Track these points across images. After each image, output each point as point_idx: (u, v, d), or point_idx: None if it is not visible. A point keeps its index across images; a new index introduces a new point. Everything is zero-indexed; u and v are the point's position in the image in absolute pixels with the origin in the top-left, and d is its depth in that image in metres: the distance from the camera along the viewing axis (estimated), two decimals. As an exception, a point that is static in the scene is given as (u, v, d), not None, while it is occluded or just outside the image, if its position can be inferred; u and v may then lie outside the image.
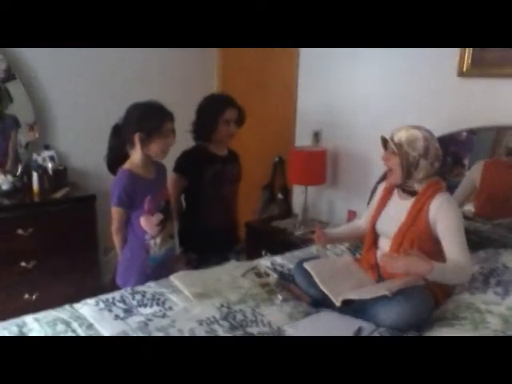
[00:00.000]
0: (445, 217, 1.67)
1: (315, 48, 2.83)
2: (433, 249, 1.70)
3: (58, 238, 2.59)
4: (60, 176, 2.78)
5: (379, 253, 1.86)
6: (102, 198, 2.77)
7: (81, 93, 2.99)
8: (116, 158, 1.97)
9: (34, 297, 2.54)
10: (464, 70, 2.20)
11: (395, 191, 1.88)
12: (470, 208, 2.21)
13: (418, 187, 1.77)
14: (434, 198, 1.70)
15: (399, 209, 1.80)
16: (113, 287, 1.92)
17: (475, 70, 2.16)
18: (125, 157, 1.96)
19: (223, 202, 2.35)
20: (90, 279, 2.71)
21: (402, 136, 1.73)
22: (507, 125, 2.06)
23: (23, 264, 2.50)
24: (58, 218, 2.60)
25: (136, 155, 1.92)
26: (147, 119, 1.88)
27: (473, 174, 2.21)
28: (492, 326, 1.54)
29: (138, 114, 1.89)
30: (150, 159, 1.97)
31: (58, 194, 2.66)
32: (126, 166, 1.93)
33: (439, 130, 2.27)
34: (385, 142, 1.80)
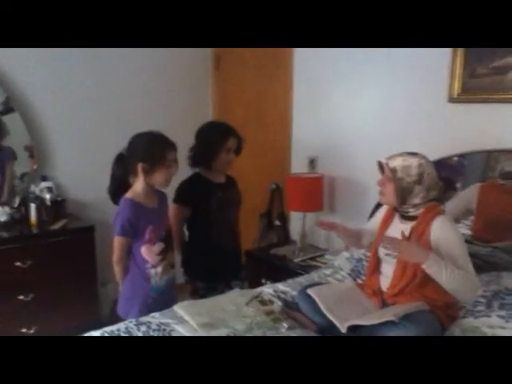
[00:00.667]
0: (447, 237, 1.69)
1: (309, 76, 2.91)
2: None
3: (57, 270, 2.58)
4: (58, 207, 2.78)
5: (382, 278, 1.87)
6: (101, 229, 2.77)
7: (79, 124, 3.02)
8: (119, 187, 1.98)
9: (32, 330, 2.50)
10: (455, 95, 2.27)
11: (396, 215, 1.89)
12: (467, 231, 2.24)
13: (415, 212, 1.78)
14: (434, 221, 1.72)
15: (397, 232, 1.80)
16: (112, 319, 1.90)
17: (465, 95, 2.24)
18: (127, 186, 1.97)
19: (229, 226, 2.36)
20: (88, 311, 2.69)
21: (397, 162, 1.76)
22: (498, 149, 2.12)
23: (21, 297, 2.47)
24: (56, 250, 2.59)
25: (139, 184, 1.94)
26: (151, 149, 1.90)
27: (468, 196, 2.24)
28: (498, 350, 1.55)
29: (142, 144, 1.92)
30: (152, 188, 1.98)
31: (57, 226, 2.66)
32: (129, 195, 1.94)
33: (432, 155, 2.31)
34: (381, 166, 1.84)
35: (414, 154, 1.78)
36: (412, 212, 1.78)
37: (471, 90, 2.22)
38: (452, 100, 2.28)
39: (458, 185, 2.33)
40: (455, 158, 2.31)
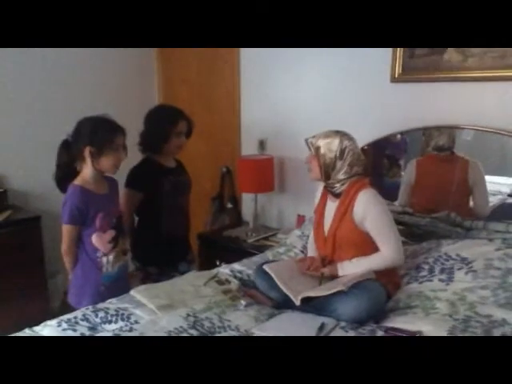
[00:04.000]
0: (369, 213, 1.80)
1: (256, 57, 2.93)
2: (364, 246, 1.83)
3: (3, 263, 2.47)
4: (0, 198, 2.65)
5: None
6: (48, 219, 2.68)
7: (16, 111, 2.88)
8: (65, 174, 1.92)
9: (-21, 327, 2.40)
10: (396, 75, 2.37)
11: (329, 195, 1.96)
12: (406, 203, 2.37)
13: (341, 188, 1.87)
14: (357, 196, 1.82)
15: (330, 210, 1.92)
16: (63, 310, 1.86)
17: (405, 75, 2.34)
18: (74, 174, 1.92)
19: (181, 211, 2.37)
20: (38, 303, 2.62)
21: (320, 139, 1.86)
22: (433, 125, 2.25)
23: (-34, 293, 2.37)
24: (1, 242, 2.48)
25: (87, 170, 1.89)
26: (99, 133, 1.85)
27: (408, 174, 2.39)
28: (441, 311, 1.68)
29: (90, 128, 1.86)
30: (101, 174, 1.95)
31: (0, 218, 2.54)
32: (77, 181, 1.89)
33: (377, 133, 2.45)
34: (307, 144, 1.93)
35: (336, 132, 1.88)
36: (338, 188, 1.87)
37: (411, 70, 2.32)
38: (394, 80, 2.38)
39: (401, 162, 2.46)
40: (398, 136, 2.44)
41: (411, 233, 2.23)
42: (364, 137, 2.45)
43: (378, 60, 2.40)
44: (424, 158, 2.36)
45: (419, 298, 1.76)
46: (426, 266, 1.91)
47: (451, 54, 2.18)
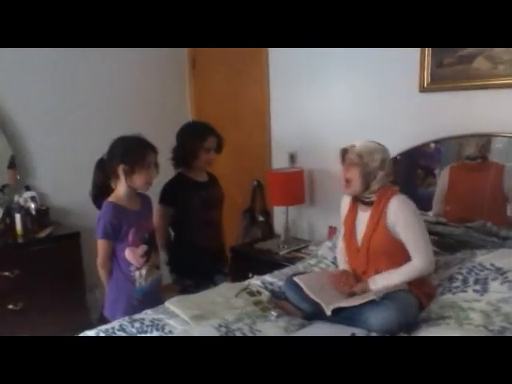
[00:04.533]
0: (400, 217, 1.78)
1: (285, 72, 2.99)
2: (398, 254, 1.81)
3: (45, 278, 2.59)
4: (43, 216, 2.79)
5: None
6: (86, 235, 2.79)
7: (58, 132, 3.03)
8: (101, 192, 2.01)
9: (23, 339, 2.51)
10: (425, 85, 2.36)
11: (358, 204, 1.94)
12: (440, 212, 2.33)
13: (373, 198, 1.86)
14: (389, 203, 1.80)
15: (362, 220, 1.90)
16: (101, 323, 1.90)
17: (434, 84, 2.33)
18: (109, 191, 2.00)
19: (212, 225, 2.42)
20: (78, 317, 2.70)
21: (362, 147, 1.83)
22: (465, 134, 2.22)
23: (11, 306, 2.48)
24: (43, 258, 2.60)
25: (120, 188, 1.97)
26: (131, 151, 1.94)
27: (441, 181, 2.35)
28: (475, 322, 1.64)
29: (122, 148, 1.95)
30: (134, 191, 2.02)
31: (42, 234, 2.67)
32: (111, 198, 1.97)
33: (406, 144, 2.43)
34: (343, 154, 1.89)
35: (374, 142, 1.86)
36: (371, 198, 1.85)
37: (439, 79, 2.31)
38: (423, 90, 2.37)
39: (436, 171, 2.41)
40: (432, 145, 2.40)
41: (444, 243, 2.20)
42: (393, 147, 2.43)
43: (406, 70, 2.40)
44: (457, 165, 2.30)
45: (452, 309, 1.73)
46: (460, 277, 1.87)
47: (480, 62, 2.16)
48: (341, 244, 2.08)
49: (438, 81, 2.32)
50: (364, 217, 1.89)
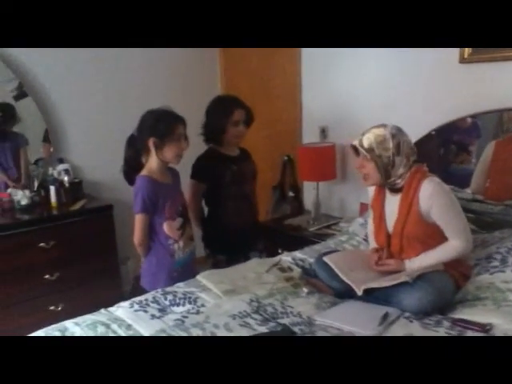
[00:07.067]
0: (435, 203, 1.70)
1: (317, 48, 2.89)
2: (432, 238, 1.75)
3: (79, 249, 2.65)
4: (76, 188, 2.84)
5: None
6: (118, 207, 2.83)
7: (90, 106, 3.05)
8: (132, 168, 2.03)
9: (59, 308, 2.60)
10: (465, 56, 2.25)
11: (386, 190, 1.86)
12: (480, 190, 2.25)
13: (402, 182, 1.76)
14: (420, 187, 1.71)
15: (391, 204, 1.82)
16: (134, 294, 1.94)
17: (476, 55, 2.21)
18: (140, 167, 2.01)
19: (245, 199, 2.40)
20: (111, 288, 2.76)
21: (370, 140, 1.72)
22: (508, 107, 2.10)
23: (47, 276, 2.56)
24: (77, 230, 2.65)
25: (152, 161, 1.98)
26: (160, 124, 1.93)
27: (484, 156, 2.23)
28: (514, 303, 1.59)
29: (151, 120, 1.95)
30: (165, 165, 2.02)
31: (76, 206, 2.72)
32: (144, 172, 1.98)
33: (444, 118, 2.34)
34: (355, 149, 1.79)
35: (382, 127, 1.75)
36: (399, 183, 1.76)
37: (482, 49, 2.19)
38: (463, 60, 2.26)
39: (472, 147, 2.31)
40: (469, 120, 2.30)
41: (481, 221, 2.13)
42: (430, 122, 2.36)
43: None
44: (504, 140, 2.18)
45: (489, 290, 1.68)
46: (498, 257, 1.81)
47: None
48: (371, 224, 2.01)
49: (479, 51, 2.19)
50: (393, 201, 1.81)
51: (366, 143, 1.72)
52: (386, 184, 1.80)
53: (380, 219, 1.88)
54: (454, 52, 2.27)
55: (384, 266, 1.82)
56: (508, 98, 2.11)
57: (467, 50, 2.23)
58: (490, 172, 2.21)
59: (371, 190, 1.95)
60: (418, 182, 1.72)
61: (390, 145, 1.71)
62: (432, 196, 1.70)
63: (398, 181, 1.76)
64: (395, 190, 1.79)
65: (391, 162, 1.72)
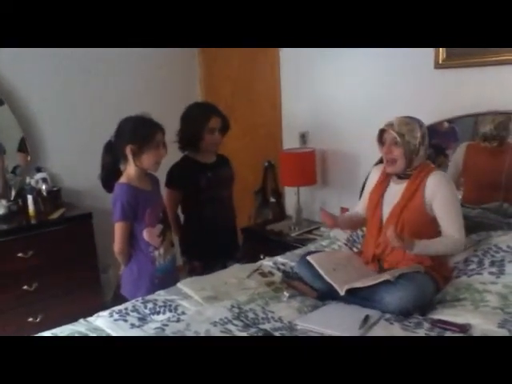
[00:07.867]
0: (443, 194, 1.76)
1: (296, 51, 2.91)
2: (425, 230, 1.78)
3: (58, 259, 2.60)
4: (55, 197, 2.80)
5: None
6: (98, 216, 2.79)
7: (68, 114, 3.02)
8: (110, 175, 2.00)
9: (38, 319, 2.55)
10: (440, 61, 2.29)
11: (391, 177, 1.92)
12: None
13: (411, 171, 1.84)
14: (429, 176, 1.79)
15: (393, 193, 1.87)
16: (115, 303, 1.92)
17: (450, 60, 2.26)
18: (119, 174, 1.99)
19: (221, 205, 2.37)
20: (91, 297, 2.72)
21: (402, 126, 1.79)
22: (482, 112, 2.15)
23: (25, 287, 2.51)
24: (56, 239, 2.61)
25: (131, 169, 1.95)
26: (138, 131, 1.91)
27: (456, 157, 2.28)
28: (491, 304, 1.62)
29: (129, 127, 1.93)
30: (144, 172, 2.00)
31: (55, 215, 2.68)
32: (123, 179, 1.95)
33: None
34: (381, 134, 1.85)
35: (411, 118, 1.83)
36: (409, 171, 1.84)
37: (455, 55, 2.23)
38: (438, 66, 2.31)
39: (450, 151, 2.34)
40: (446, 124, 2.34)
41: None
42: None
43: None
44: (475, 143, 2.22)
45: (468, 291, 1.71)
46: (475, 259, 1.85)
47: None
48: (357, 209, 2.10)
49: (453, 56, 2.24)
50: (396, 189, 1.86)
51: (397, 128, 1.79)
52: (402, 172, 1.85)
53: (376, 207, 1.91)
54: (429, 57, 2.31)
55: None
56: (479, 104, 2.16)
57: (441, 56, 2.28)
58: (464, 175, 2.25)
59: (373, 179, 2.01)
60: (426, 174, 1.80)
61: (418, 134, 1.79)
62: (438, 186, 1.76)
63: (409, 169, 1.83)
64: (402, 177, 1.85)
65: (416, 150, 1.79)
